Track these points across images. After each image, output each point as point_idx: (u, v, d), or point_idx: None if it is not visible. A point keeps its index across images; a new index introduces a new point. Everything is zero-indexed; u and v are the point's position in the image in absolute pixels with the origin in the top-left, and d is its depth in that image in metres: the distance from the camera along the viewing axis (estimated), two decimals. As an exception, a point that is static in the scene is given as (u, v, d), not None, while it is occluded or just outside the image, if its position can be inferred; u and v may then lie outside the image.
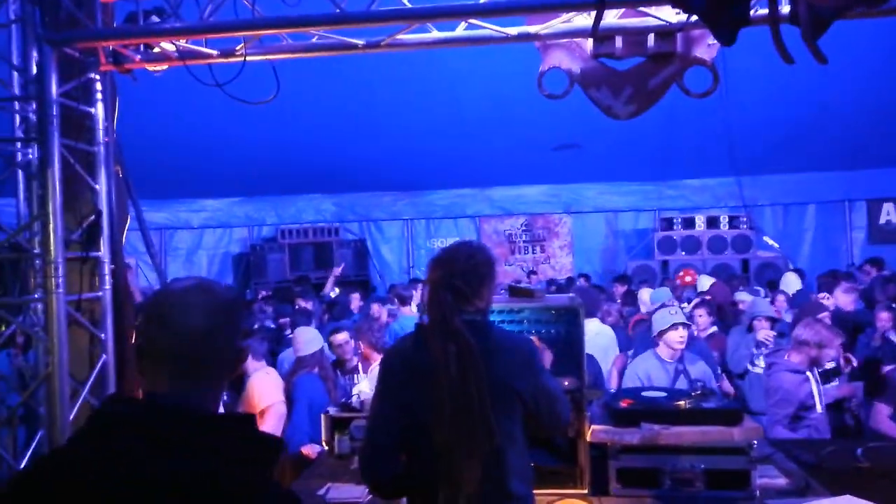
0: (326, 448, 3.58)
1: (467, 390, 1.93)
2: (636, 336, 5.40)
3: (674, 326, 4.16)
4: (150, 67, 3.43)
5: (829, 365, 4.49)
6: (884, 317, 5.19)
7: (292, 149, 8.52)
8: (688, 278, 8.33)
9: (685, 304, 6.21)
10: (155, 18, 3.14)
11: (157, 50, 3.35)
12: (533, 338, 2.47)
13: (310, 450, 3.98)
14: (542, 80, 3.08)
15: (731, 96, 6.58)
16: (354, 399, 3.63)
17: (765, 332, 4.98)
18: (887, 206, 10.15)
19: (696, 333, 5.59)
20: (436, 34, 3.04)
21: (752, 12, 2.61)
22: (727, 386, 4.99)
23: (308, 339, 4.62)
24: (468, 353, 1.95)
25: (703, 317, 5.74)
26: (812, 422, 3.94)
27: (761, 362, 4.82)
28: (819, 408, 3.99)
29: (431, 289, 2.06)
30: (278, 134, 8.03)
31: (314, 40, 3.12)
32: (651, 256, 9.91)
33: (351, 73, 6.64)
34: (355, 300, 7.69)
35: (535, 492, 2.69)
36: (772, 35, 2.15)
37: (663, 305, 4.82)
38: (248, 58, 3.17)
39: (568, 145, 8.91)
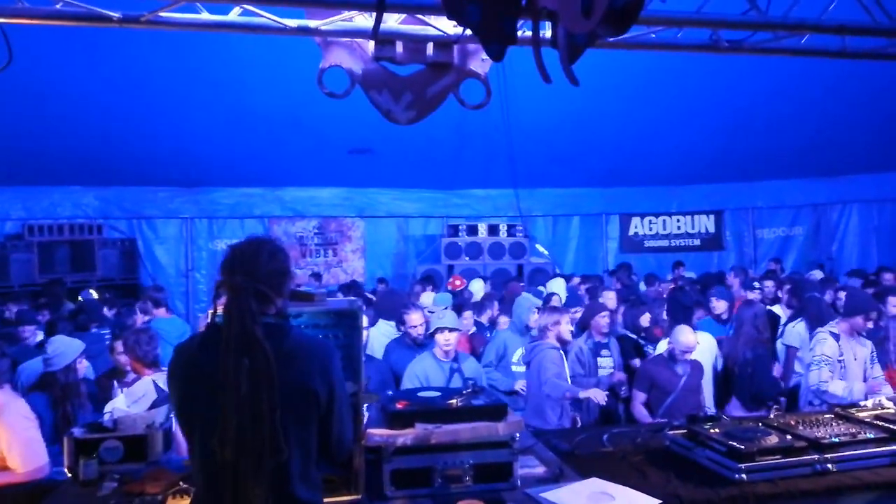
0: (70, 475, 3.12)
1: (258, 405, 1.84)
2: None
3: (439, 330, 4.43)
4: None
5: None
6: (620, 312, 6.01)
7: (45, 132, 7.39)
8: (457, 282, 8.86)
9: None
10: None
11: None
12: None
13: None
14: (323, 77, 3.01)
15: (511, 113, 7.12)
16: (107, 417, 3.21)
17: (535, 317, 5.38)
18: (635, 220, 11.75)
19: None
20: (206, 16, 2.81)
21: (520, 33, 2.82)
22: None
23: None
24: (263, 364, 1.86)
25: (467, 319, 6.14)
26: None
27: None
28: (568, 379, 4.71)
29: (233, 294, 1.91)
30: (26, 113, 6.92)
31: (58, 7, 2.70)
32: (439, 261, 10.33)
33: (120, 48, 5.94)
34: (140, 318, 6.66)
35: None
36: (534, 56, 2.33)
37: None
38: (-32, 17, 2.65)
39: (362, 150, 8.94)
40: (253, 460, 1.85)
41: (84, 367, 4.11)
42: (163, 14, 2.74)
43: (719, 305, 6.28)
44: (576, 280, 8.51)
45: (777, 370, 5.56)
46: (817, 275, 8.32)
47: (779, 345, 5.90)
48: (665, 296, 7.19)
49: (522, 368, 5.23)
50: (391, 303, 5.95)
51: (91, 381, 4.41)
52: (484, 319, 6.50)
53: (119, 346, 4.45)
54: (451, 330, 4.47)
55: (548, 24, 2.72)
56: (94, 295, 7.38)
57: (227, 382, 1.85)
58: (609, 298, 6.55)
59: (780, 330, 6.02)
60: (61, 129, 7.43)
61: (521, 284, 8.87)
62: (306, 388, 1.97)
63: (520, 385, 5.08)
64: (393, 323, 5.56)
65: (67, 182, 9.26)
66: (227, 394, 1.84)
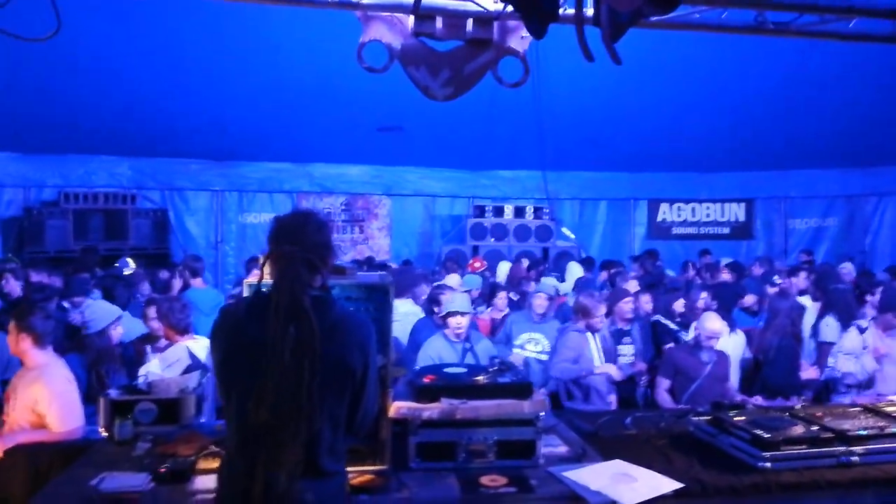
0: (105, 434, 3.23)
1: (300, 373, 1.88)
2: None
3: (451, 314, 4.50)
4: None
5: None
6: (644, 299, 5.97)
7: (82, 101, 7.49)
8: (476, 264, 8.86)
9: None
10: None
11: None
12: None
13: None
14: (362, 52, 3.01)
15: (542, 95, 7.04)
16: (141, 380, 3.31)
17: (539, 302, 5.47)
18: (664, 206, 11.60)
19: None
20: (249, -13, 2.82)
21: (561, 11, 2.78)
22: None
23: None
24: (309, 335, 1.89)
25: (502, 299, 6.14)
26: (592, 381, 4.67)
27: (532, 347, 5.30)
28: (598, 362, 4.73)
29: (283, 263, 1.96)
30: (64, 82, 7.03)
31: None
32: (464, 241, 10.34)
33: (156, 20, 6.00)
34: (176, 284, 6.72)
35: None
36: (577, 34, 2.31)
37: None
38: (18, -17, 2.69)
39: (391, 127, 8.92)
40: (290, 426, 1.90)
41: (119, 333, 4.21)
42: (206, -16, 2.76)
43: (748, 298, 6.19)
44: (603, 275, 8.37)
45: (804, 365, 5.49)
46: (847, 268, 8.11)
47: (811, 341, 5.78)
48: (694, 281, 7.13)
49: (524, 352, 5.32)
50: (406, 280, 5.96)
51: (127, 344, 4.53)
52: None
53: (152, 311, 4.55)
54: (462, 314, 4.52)
55: (590, 1, 2.69)
56: (131, 264, 7.51)
57: (273, 349, 1.89)
58: (630, 286, 6.51)
59: (811, 326, 5.89)
60: (98, 99, 7.54)
61: (546, 265, 8.83)
62: (344, 362, 2.01)
63: (513, 358, 5.17)
64: (408, 300, 5.59)
65: (103, 152, 9.41)
66: (271, 360, 1.89)
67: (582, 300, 4.92)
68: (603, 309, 4.91)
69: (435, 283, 7.26)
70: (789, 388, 5.02)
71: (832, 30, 3.50)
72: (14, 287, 5.98)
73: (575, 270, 8.09)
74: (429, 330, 5.08)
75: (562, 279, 7.71)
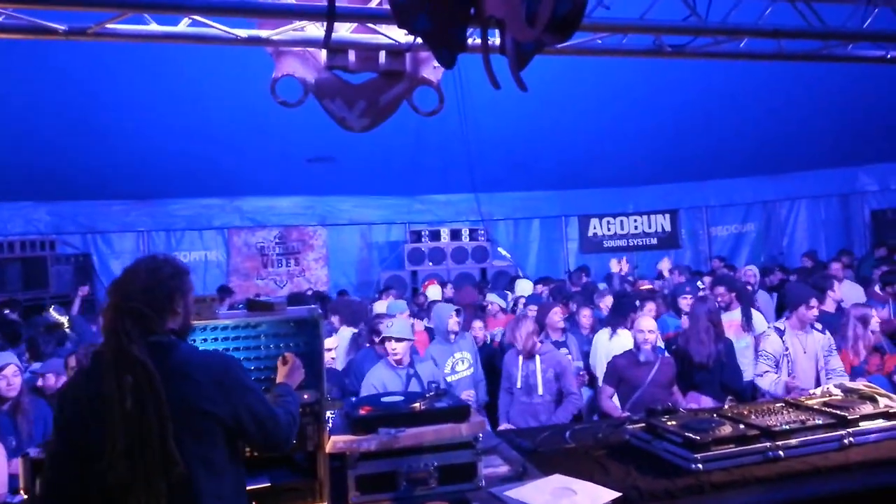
0: (25, 496, 3.03)
1: (145, 422, 1.83)
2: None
3: (387, 339, 4.47)
4: None
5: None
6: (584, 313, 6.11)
7: (-9, 147, 7.20)
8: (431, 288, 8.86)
9: None
10: None
11: None
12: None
13: None
14: (276, 86, 3.01)
15: (469, 121, 7.18)
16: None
17: (453, 322, 5.37)
18: (594, 221, 11.95)
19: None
20: (154, 27, 2.79)
21: (470, 41, 2.86)
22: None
23: None
24: (147, 382, 1.84)
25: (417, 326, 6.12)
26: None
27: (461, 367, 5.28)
28: (519, 384, 4.78)
29: (108, 314, 1.91)
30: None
31: (1, 19, 2.64)
32: (402, 267, 10.34)
33: (69, 58, 5.83)
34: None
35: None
36: (483, 63, 2.38)
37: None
38: None
39: (322, 158, 8.90)
40: (144, 479, 1.84)
41: (18, 382, 4.02)
42: (110, 26, 2.70)
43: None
44: (539, 289, 8.53)
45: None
46: (752, 270, 8.38)
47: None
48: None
49: (457, 376, 5.18)
50: (353, 309, 5.93)
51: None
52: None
53: (72, 361, 4.38)
54: (398, 339, 4.41)
55: (497, 31, 2.77)
56: (55, 315, 7.13)
57: (112, 402, 1.84)
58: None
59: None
60: (11, 142, 7.24)
61: (488, 284, 8.86)
62: (201, 407, 1.94)
63: (465, 395, 4.88)
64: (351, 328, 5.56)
65: (17, 198, 9.04)
66: (113, 414, 1.84)
67: (513, 330, 4.95)
68: (529, 324, 4.87)
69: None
70: (743, 388, 5.11)
71: (724, 50, 3.74)
72: None
73: (524, 287, 8.20)
74: (371, 360, 5.00)
75: (505, 297, 7.77)
